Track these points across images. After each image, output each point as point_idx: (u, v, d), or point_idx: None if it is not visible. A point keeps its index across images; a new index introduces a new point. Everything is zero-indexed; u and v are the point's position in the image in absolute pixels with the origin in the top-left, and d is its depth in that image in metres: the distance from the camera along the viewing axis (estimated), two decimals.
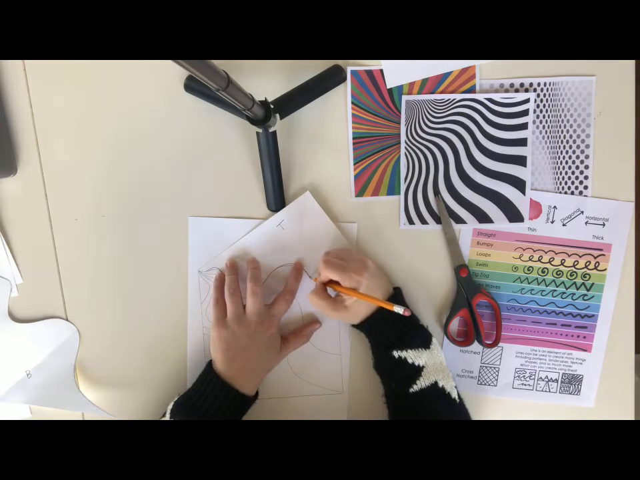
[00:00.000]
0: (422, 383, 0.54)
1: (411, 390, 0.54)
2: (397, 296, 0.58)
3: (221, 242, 0.62)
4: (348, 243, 0.61)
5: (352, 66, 0.60)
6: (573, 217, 0.62)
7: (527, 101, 0.60)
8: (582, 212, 0.62)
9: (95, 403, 0.61)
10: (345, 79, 0.60)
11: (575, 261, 0.62)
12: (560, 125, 0.61)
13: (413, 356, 0.54)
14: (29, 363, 0.61)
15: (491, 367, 0.64)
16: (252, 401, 0.58)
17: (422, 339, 0.56)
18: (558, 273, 0.62)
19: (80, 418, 0.63)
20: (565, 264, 0.62)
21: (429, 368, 0.55)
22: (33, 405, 0.62)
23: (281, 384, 0.63)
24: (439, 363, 0.56)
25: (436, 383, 0.54)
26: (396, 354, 0.55)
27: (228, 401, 0.54)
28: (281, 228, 0.61)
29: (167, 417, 0.55)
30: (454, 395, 0.56)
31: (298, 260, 0.62)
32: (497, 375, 0.64)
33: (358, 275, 0.54)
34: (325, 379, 0.63)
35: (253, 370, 0.57)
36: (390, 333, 0.55)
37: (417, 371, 0.54)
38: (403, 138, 0.61)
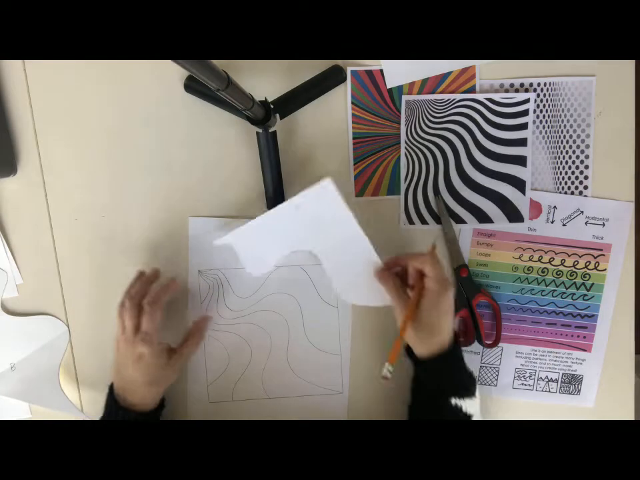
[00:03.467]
0: None
1: None
2: (456, 336, 0.55)
3: None
4: (366, 238, 0.57)
5: (352, 66, 0.60)
6: (573, 216, 0.62)
7: (527, 101, 0.60)
8: (582, 212, 0.62)
9: (88, 405, 0.61)
10: (344, 79, 0.60)
11: (575, 261, 0.62)
12: (560, 125, 0.61)
13: (468, 405, 0.52)
14: (14, 356, 0.61)
15: (491, 367, 0.64)
16: (151, 413, 0.55)
17: (475, 386, 0.54)
18: (558, 273, 0.62)
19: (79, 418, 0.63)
20: (564, 264, 0.62)
21: (475, 416, 0.53)
22: (12, 398, 0.61)
23: (281, 384, 0.63)
24: (479, 409, 0.55)
25: None
26: (454, 401, 0.52)
27: (115, 413, 0.53)
28: (299, 212, 0.57)
29: None
30: None
31: (173, 278, 0.58)
32: (497, 375, 0.64)
33: (451, 284, 0.53)
34: (324, 378, 0.63)
35: (135, 387, 0.54)
36: (456, 378, 0.53)
37: (465, 419, 0.53)
38: (403, 138, 0.61)
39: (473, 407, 0.53)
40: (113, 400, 0.54)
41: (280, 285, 0.62)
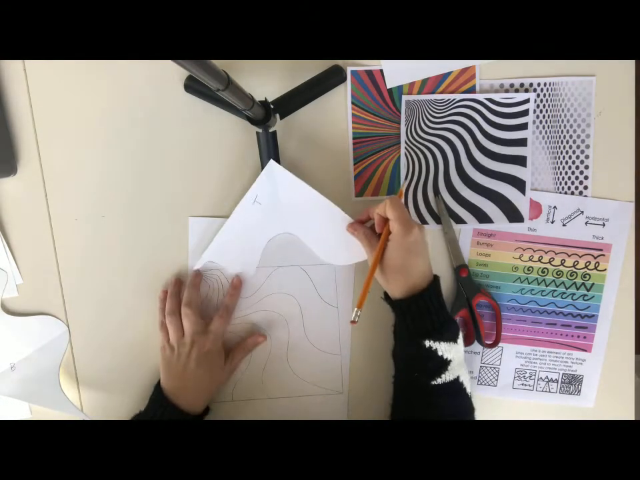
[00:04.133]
0: (446, 377, 0.53)
1: (433, 382, 0.53)
2: (437, 282, 0.55)
3: None
4: (328, 200, 0.59)
5: (352, 66, 0.60)
6: (573, 217, 0.62)
7: (527, 101, 0.60)
8: (582, 212, 0.62)
9: (88, 405, 0.61)
10: (344, 79, 0.60)
11: (575, 261, 0.62)
12: (560, 125, 0.61)
13: (444, 349, 0.53)
14: (14, 356, 0.61)
15: (491, 367, 0.64)
16: (198, 418, 0.58)
17: (453, 332, 0.54)
18: (558, 273, 0.62)
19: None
20: (565, 264, 0.62)
21: (455, 362, 0.53)
22: (12, 398, 0.61)
23: (281, 384, 0.63)
24: (462, 357, 0.55)
25: (458, 377, 0.54)
26: (427, 343, 0.52)
27: (167, 416, 0.56)
28: (258, 203, 0.60)
29: None
30: (468, 389, 0.55)
31: (237, 276, 0.61)
32: (497, 375, 0.64)
33: (416, 223, 0.53)
34: (324, 378, 0.63)
35: (194, 387, 0.58)
36: (428, 320, 0.53)
37: (444, 364, 0.53)
38: (403, 138, 0.61)
39: (451, 352, 0.53)
40: (162, 397, 0.57)
41: (280, 285, 0.62)
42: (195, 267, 0.62)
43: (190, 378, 0.57)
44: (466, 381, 0.55)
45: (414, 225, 0.53)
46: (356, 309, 0.52)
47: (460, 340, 0.55)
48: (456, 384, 0.54)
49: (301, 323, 0.63)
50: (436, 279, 0.56)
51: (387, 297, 0.57)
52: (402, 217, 0.52)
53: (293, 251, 0.61)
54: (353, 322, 0.52)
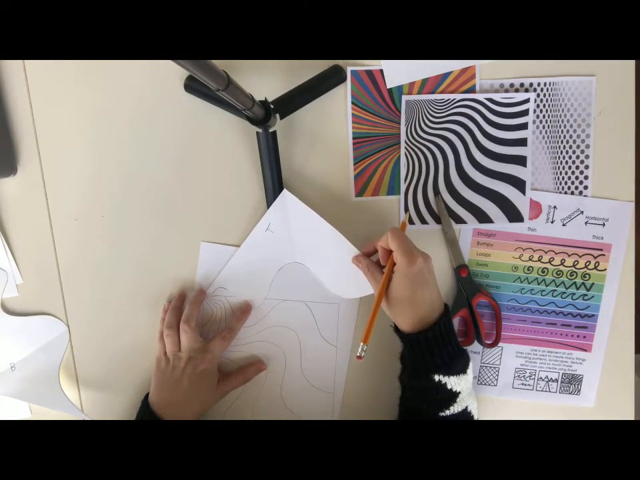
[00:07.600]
0: (455, 408, 0.52)
1: (442, 414, 0.52)
2: (447, 313, 0.54)
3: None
4: (337, 232, 0.60)
5: (352, 66, 0.60)
6: (572, 216, 0.62)
7: (527, 101, 0.60)
8: (582, 212, 0.62)
9: (88, 405, 0.61)
10: (344, 79, 0.60)
11: (575, 261, 0.62)
12: (560, 125, 0.61)
13: (454, 382, 0.52)
14: (14, 356, 0.61)
15: (490, 367, 0.64)
16: None
17: (463, 364, 0.53)
18: (558, 272, 0.62)
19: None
20: (564, 264, 0.62)
21: (464, 393, 0.53)
22: (12, 398, 0.61)
23: (273, 416, 0.63)
24: (470, 386, 0.55)
25: (466, 408, 0.53)
26: (437, 377, 0.52)
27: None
28: (271, 232, 0.60)
29: None
30: (476, 417, 0.55)
31: (247, 302, 0.61)
32: (497, 375, 0.64)
33: (420, 253, 0.52)
34: (315, 413, 0.62)
35: (183, 403, 0.57)
36: (437, 356, 0.52)
37: (453, 396, 0.52)
38: (403, 138, 0.61)
39: (460, 384, 0.52)
40: (149, 412, 0.57)
41: (283, 318, 0.62)
42: (207, 291, 0.61)
43: (181, 393, 0.57)
44: (474, 409, 0.55)
45: (417, 255, 0.51)
46: (362, 344, 0.51)
47: (469, 369, 0.54)
48: (464, 414, 0.53)
49: (298, 358, 0.62)
50: (446, 309, 0.54)
51: (396, 328, 0.56)
52: (404, 248, 0.51)
53: (301, 284, 0.61)
54: (358, 357, 0.50)
